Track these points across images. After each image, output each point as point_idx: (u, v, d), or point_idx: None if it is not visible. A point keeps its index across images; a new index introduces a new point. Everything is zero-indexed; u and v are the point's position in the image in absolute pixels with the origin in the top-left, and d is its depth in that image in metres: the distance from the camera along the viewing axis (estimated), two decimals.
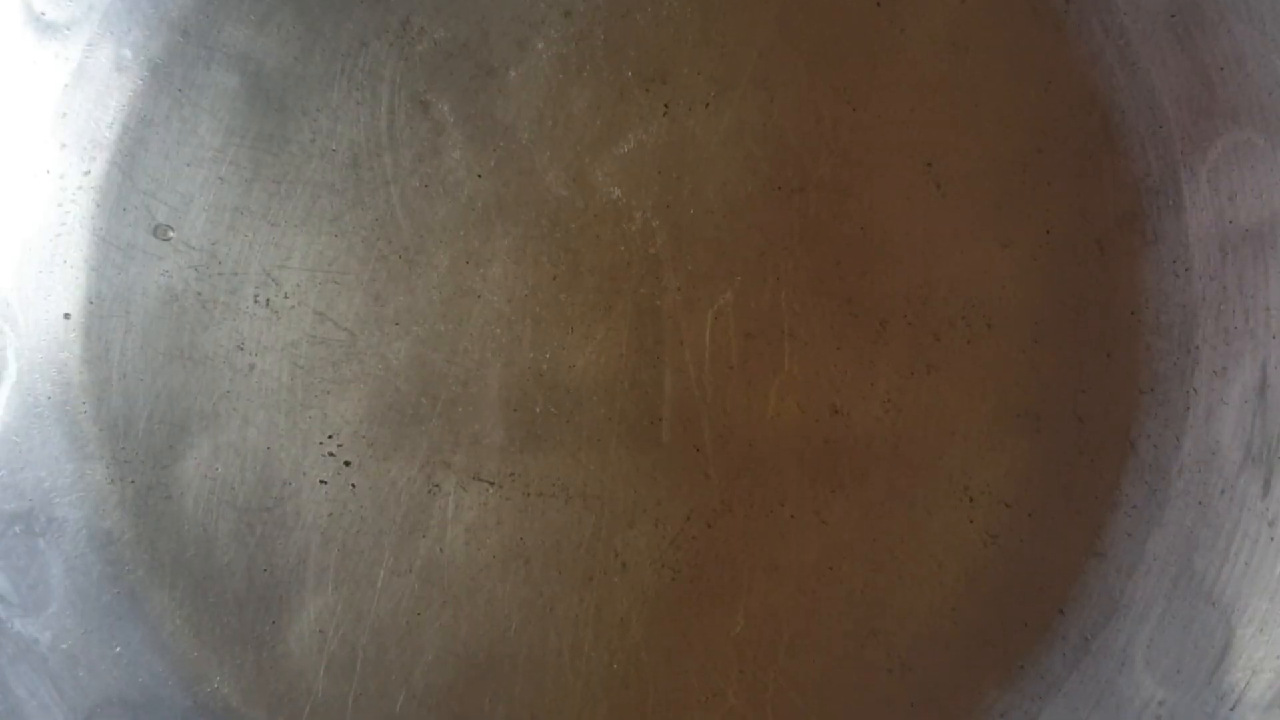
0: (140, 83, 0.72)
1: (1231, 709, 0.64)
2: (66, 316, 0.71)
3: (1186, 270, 0.70)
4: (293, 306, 0.72)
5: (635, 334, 0.72)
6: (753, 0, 0.73)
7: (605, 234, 0.72)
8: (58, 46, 0.70)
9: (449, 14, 0.72)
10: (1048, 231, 0.72)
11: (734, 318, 0.72)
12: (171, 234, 0.68)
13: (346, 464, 0.72)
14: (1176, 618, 0.67)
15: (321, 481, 0.71)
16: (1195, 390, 0.69)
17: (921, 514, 0.72)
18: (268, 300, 0.72)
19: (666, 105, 0.72)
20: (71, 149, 0.71)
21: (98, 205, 0.71)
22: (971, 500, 0.71)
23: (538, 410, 0.72)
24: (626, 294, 0.72)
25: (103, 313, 0.71)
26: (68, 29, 0.70)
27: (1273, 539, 0.65)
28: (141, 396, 0.71)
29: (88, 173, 0.71)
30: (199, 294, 0.72)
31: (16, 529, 0.68)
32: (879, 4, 0.72)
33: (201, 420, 0.71)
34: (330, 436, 0.72)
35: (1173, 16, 0.68)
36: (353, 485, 0.71)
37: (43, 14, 0.69)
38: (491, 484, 0.72)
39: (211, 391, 0.71)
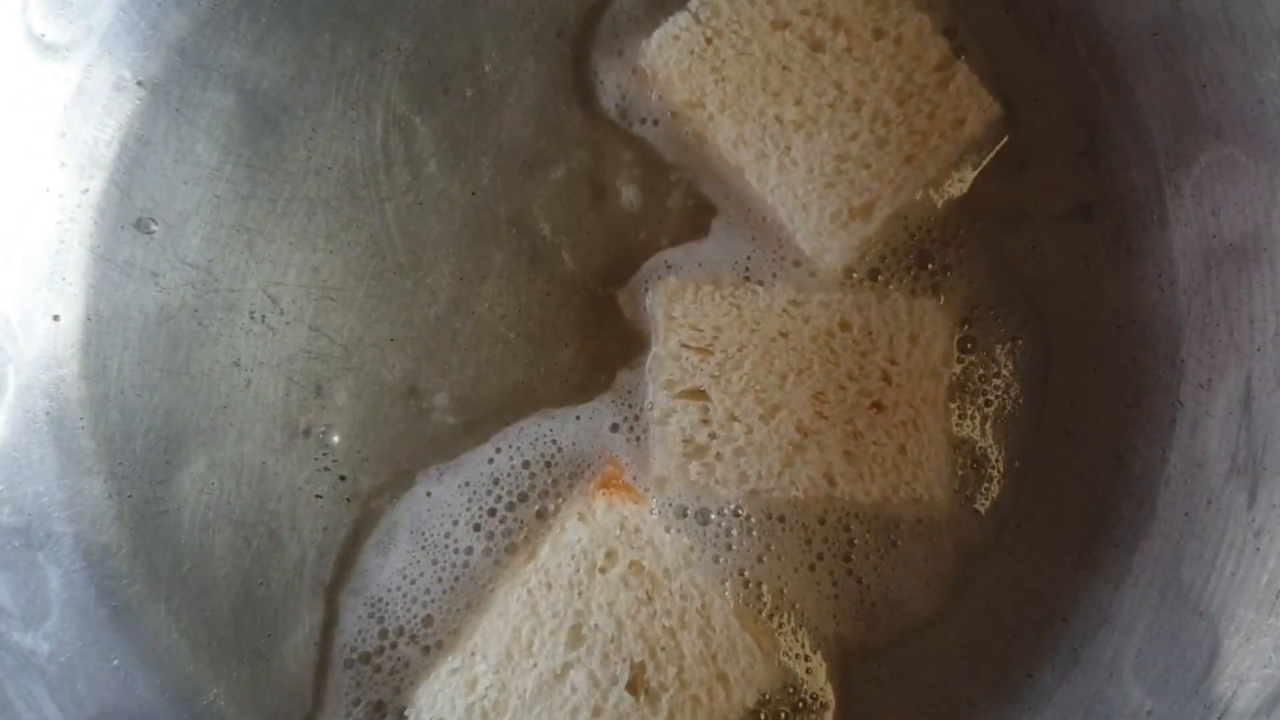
0: (138, 102, 0.72)
1: (1219, 718, 0.64)
2: (56, 319, 0.71)
3: (1171, 284, 0.70)
4: (289, 322, 0.72)
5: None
6: None
7: (599, 247, 0.73)
8: (57, 67, 0.71)
9: (442, 35, 0.73)
10: (1034, 246, 0.73)
11: None
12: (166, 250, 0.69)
13: (342, 479, 0.72)
14: (1164, 628, 0.67)
15: (317, 496, 0.72)
16: (1181, 403, 0.69)
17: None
18: (264, 316, 0.72)
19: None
20: (70, 168, 0.72)
21: (96, 224, 0.72)
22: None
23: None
24: (622, 306, 0.73)
25: (100, 329, 0.72)
26: (67, 50, 0.71)
27: (1258, 549, 0.65)
28: (139, 412, 0.72)
29: (86, 191, 0.72)
30: (195, 310, 0.72)
31: (15, 543, 0.68)
32: None
33: (198, 435, 0.72)
34: (325, 452, 0.72)
35: (1155, 35, 0.69)
36: (348, 499, 0.72)
37: (43, 35, 0.70)
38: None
39: (208, 407, 0.72)
